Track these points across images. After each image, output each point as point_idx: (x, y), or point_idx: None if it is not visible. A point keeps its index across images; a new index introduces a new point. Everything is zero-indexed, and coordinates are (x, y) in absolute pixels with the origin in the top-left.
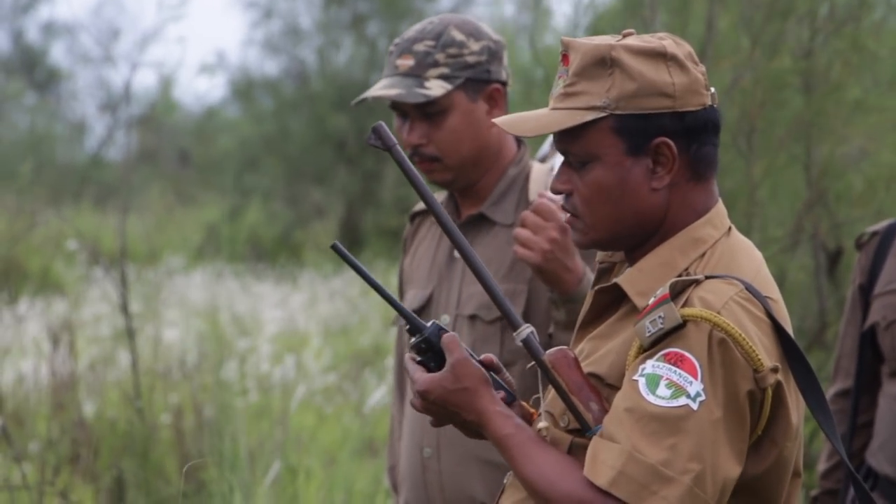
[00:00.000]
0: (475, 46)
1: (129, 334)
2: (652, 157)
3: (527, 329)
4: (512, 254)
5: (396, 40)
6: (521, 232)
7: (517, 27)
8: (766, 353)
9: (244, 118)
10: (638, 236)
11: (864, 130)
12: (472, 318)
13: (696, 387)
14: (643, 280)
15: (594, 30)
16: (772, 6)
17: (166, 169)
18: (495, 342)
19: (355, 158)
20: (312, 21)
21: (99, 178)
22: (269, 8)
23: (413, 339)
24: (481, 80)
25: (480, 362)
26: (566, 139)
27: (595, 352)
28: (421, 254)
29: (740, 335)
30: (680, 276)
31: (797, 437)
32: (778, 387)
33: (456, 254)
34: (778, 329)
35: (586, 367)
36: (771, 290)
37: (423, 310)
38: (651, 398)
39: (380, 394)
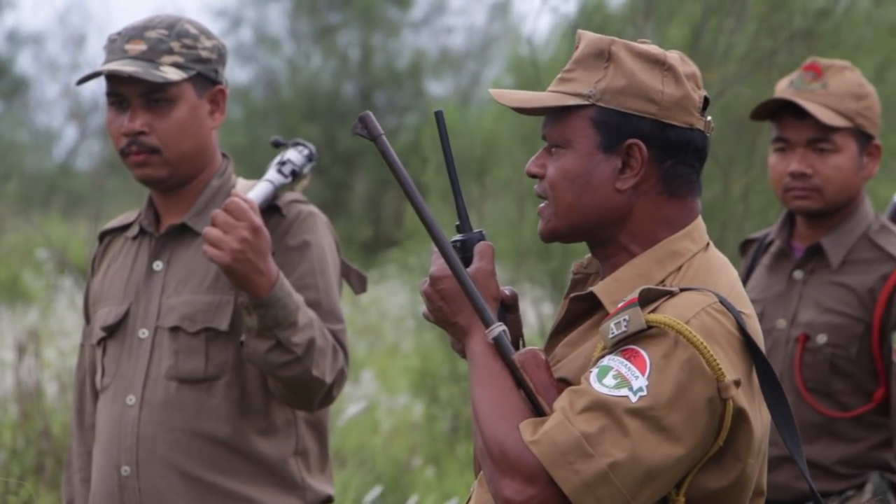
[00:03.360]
0: (207, 43)
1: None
2: (622, 158)
3: (498, 328)
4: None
5: (119, 31)
6: (210, 231)
7: (488, 37)
8: (730, 366)
9: None
10: (595, 232)
11: None
12: (175, 329)
13: (640, 382)
14: (619, 290)
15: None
16: (765, 20)
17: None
18: (200, 354)
19: (325, 168)
20: (282, 30)
21: (67, 187)
22: (238, 17)
23: (454, 237)
24: (209, 79)
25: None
26: (549, 122)
27: (566, 357)
28: (113, 272)
29: (702, 345)
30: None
31: (760, 454)
32: (740, 401)
33: (155, 266)
34: (749, 344)
35: (557, 372)
36: (745, 305)
37: (119, 325)
38: (596, 385)
39: (357, 407)
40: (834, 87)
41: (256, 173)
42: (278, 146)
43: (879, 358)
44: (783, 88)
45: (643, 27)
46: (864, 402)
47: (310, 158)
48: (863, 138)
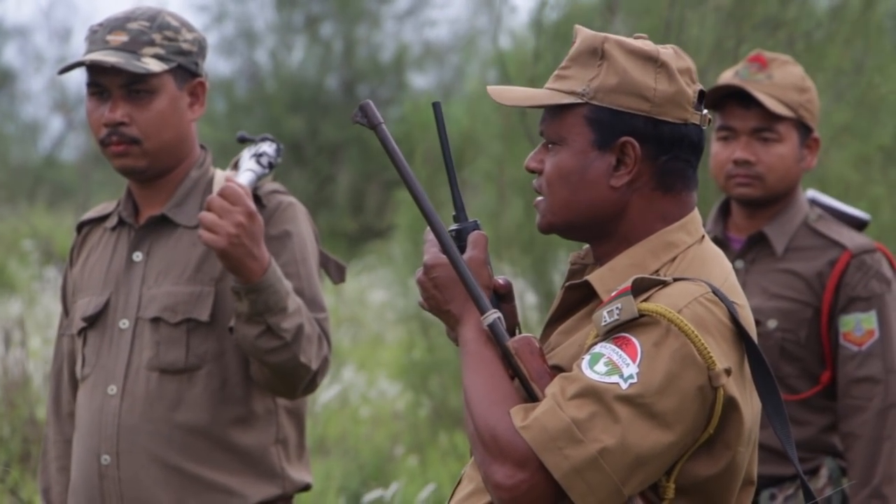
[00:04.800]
0: (189, 36)
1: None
2: (616, 156)
3: (493, 314)
4: (197, 255)
5: (100, 22)
6: (206, 216)
7: (473, 30)
8: (721, 355)
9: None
10: (592, 229)
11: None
12: (156, 320)
13: (630, 369)
14: (613, 279)
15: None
16: (731, 13)
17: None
18: (181, 345)
19: (309, 160)
20: (265, 23)
21: (53, 178)
22: (221, 11)
23: (450, 226)
24: (189, 71)
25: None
26: (546, 118)
27: (560, 345)
28: (93, 262)
29: (693, 333)
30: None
31: (750, 443)
32: (731, 389)
33: (135, 257)
34: (741, 334)
35: (551, 360)
36: (738, 296)
37: (99, 315)
38: (588, 372)
39: (332, 392)
40: (778, 79)
41: None
42: (244, 142)
43: (827, 341)
44: (729, 78)
45: (611, 21)
46: (811, 386)
47: (278, 153)
48: (803, 130)
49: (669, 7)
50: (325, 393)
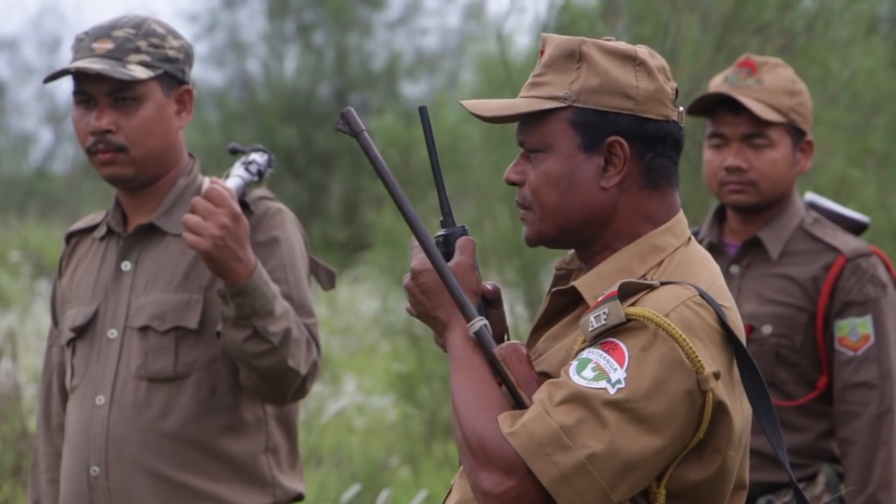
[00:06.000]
0: (175, 43)
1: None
2: (604, 157)
3: (479, 322)
4: (186, 263)
5: (86, 30)
6: (190, 218)
7: (463, 38)
8: (709, 359)
9: (190, 129)
10: (584, 233)
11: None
12: (144, 329)
13: (618, 374)
14: (600, 284)
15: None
16: (731, 17)
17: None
18: (169, 353)
19: (302, 170)
20: (257, 32)
21: (44, 191)
22: (212, 21)
23: (437, 232)
24: (176, 79)
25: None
26: (525, 128)
27: (547, 351)
28: (81, 272)
29: (681, 337)
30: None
31: (741, 447)
32: (720, 393)
33: (123, 267)
34: (730, 337)
35: (538, 366)
36: (725, 298)
37: (88, 326)
38: (575, 377)
39: (338, 405)
40: (768, 83)
41: None
42: (236, 153)
43: (823, 346)
44: (718, 84)
45: (614, 25)
46: (807, 392)
47: (269, 164)
48: (796, 134)
49: (671, 10)
50: (334, 405)
